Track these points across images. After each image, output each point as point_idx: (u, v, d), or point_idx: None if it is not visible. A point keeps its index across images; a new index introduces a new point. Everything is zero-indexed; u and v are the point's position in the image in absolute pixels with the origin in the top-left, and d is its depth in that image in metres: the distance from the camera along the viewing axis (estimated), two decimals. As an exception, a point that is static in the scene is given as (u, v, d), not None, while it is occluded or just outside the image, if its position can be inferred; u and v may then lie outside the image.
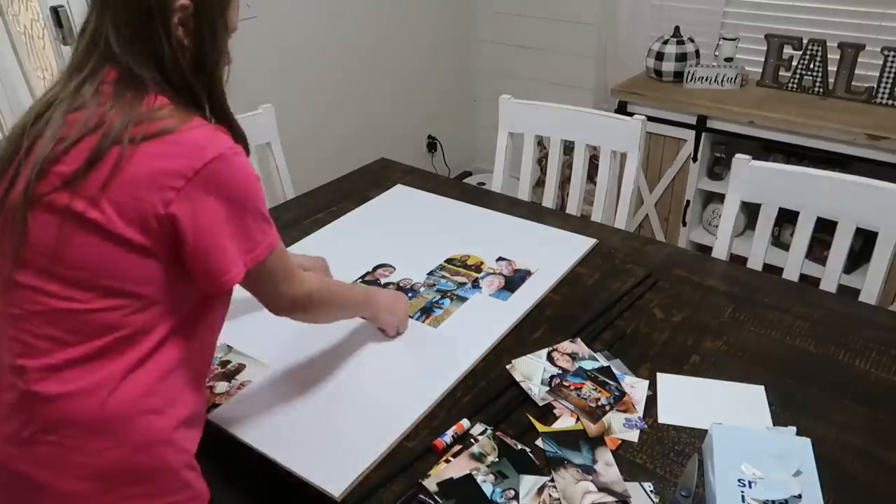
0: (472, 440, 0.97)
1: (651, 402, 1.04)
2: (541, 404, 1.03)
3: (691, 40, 2.42)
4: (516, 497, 0.88)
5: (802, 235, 1.44)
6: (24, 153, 0.83)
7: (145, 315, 0.82)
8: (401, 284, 1.33)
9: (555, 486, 0.89)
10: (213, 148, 0.80)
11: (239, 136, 0.90)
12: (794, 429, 0.97)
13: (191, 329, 0.87)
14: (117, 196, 0.77)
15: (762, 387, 1.06)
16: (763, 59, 2.33)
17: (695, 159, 2.36)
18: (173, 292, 0.84)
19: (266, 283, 0.91)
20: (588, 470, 0.91)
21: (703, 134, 2.31)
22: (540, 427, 0.99)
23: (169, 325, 0.84)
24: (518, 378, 1.07)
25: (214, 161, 0.79)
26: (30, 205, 0.80)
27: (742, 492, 0.83)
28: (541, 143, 2.44)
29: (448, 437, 0.97)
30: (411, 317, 1.24)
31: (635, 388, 1.06)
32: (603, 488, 0.89)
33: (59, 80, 0.88)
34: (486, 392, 1.06)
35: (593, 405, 1.02)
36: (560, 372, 1.09)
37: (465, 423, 1.00)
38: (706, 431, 0.94)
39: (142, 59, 0.83)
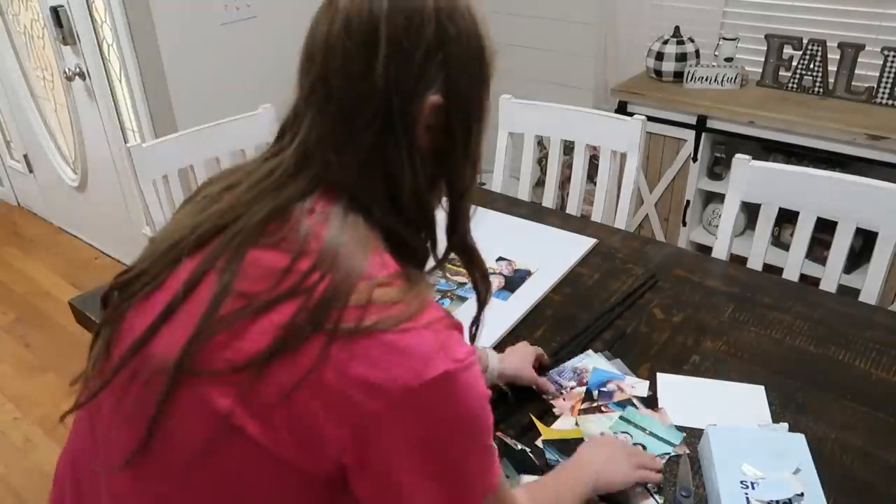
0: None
1: (651, 402, 1.04)
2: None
3: (691, 40, 2.42)
4: (516, 497, 0.88)
5: (802, 235, 1.44)
6: (182, 292, 0.60)
7: None
8: (401, 284, 1.33)
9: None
10: (440, 360, 0.56)
11: (484, 287, 0.71)
12: (786, 425, 0.98)
13: None
14: (298, 409, 0.55)
15: (762, 387, 1.06)
16: (763, 59, 2.33)
17: (695, 159, 2.36)
18: None
19: None
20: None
21: (703, 134, 2.31)
22: (543, 431, 0.99)
23: None
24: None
25: (439, 380, 0.56)
26: (177, 383, 0.57)
27: (746, 493, 0.83)
28: (541, 143, 2.44)
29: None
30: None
31: (635, 388, 1.06)
32: (604, 496, 0.88)
33: (237, 182, 0.64)
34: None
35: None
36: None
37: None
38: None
39: (372, 186, 0.61)
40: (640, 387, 1.06)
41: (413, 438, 0.57)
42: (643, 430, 0.99)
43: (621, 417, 1.01)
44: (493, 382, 1.01)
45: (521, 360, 1.04)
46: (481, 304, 0.72)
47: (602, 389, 1.06)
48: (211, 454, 0.58)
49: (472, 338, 0.72)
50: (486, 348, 1.05)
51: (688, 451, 0.94)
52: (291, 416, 0.55)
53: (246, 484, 0.59)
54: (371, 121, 0.60)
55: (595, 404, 1.03)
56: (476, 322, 0.73)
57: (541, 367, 1.08)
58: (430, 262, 0.70)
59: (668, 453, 0.95)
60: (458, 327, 0.62)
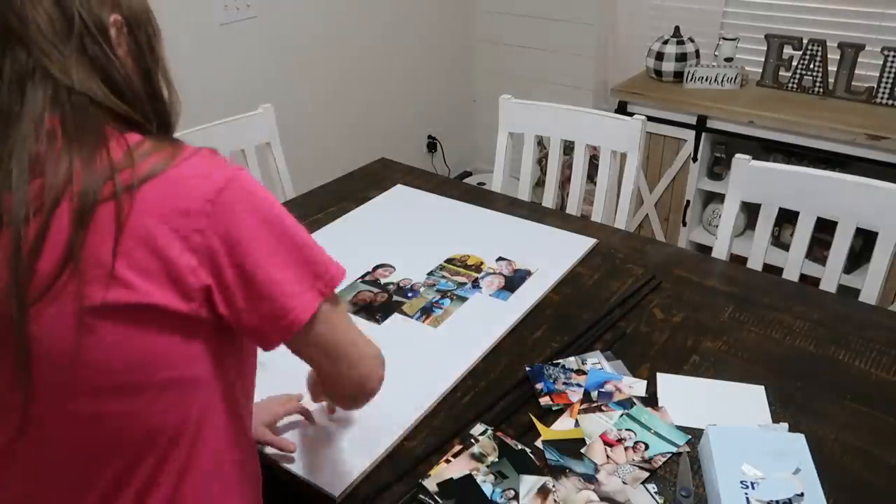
0: (472, 440, 0.97)
1: (650, 401, 1.04)
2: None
3: (691, 40, 2.42)
4: (516, 497, 0.88)
5: (802, 235, 1.44)
6: None
7: (195, 405, 0.70)
8: (401, 284, 1.33)
9: (556, 493, 0.89)
10: (219, 172, 0.67)
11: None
12: (786, 425, 0.98)
13: (233, 405, 0.74)
14: (135, 255, 0.62)
15: (762, 387, 1.06)
16: (763, 59, 2.33)
17: (695, 159, 2.36)
18: (222, 366, 0.71)
19: (334, 346, 0.74)
20: (590, 479, 0.91)
21: (703, 134, 2.31)
22: (542, 432, 0.99)
23: (218, 408, 0.72)
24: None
25: (229, 185, 0.66)
26: (23, 323, 0.62)
27: (746, 493, 0.83)
28: (541, 143, 2.44)
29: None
30: (411, 317, 1.24)
31: (633, 387, 1.06)
32: (605, 497, 0.88)
33: None
34: (486, 392, 1.06)
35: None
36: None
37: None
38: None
39: (88, 78, 0.68)
40: (638, 386, 1.06)
41: (243, 238, 0.66)
42: (648, 428, 0.99)
43: (627, 415, 1.01)
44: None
45: (259, 416, 0.98)
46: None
47: (601, 390, 1.06)
48: (84, 347, 0.63)
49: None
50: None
51: (688, 451, 0.94)
52: (134, 265, 0.62)
53: (139, 357, 0.65)
54: (74, 38, 0.67)
55: (595, 404, 1.03)
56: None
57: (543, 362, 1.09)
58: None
59: (671, 452, 0.95)
60: (215, 152, 0.71)
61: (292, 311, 0.68)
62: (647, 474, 0.91)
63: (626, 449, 0.95)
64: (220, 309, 0.67)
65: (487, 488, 0.89)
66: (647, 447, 0.95)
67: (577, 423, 1.00)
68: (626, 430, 0.99)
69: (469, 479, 0.91)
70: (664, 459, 0.93)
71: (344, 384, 0.78)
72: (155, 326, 0.64)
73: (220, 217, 0.65)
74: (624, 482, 0.90)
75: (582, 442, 0.97)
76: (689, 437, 0.97)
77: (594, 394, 1.05)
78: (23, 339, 0.62)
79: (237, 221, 0.66)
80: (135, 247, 0.62)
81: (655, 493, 0.88)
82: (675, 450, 0.95)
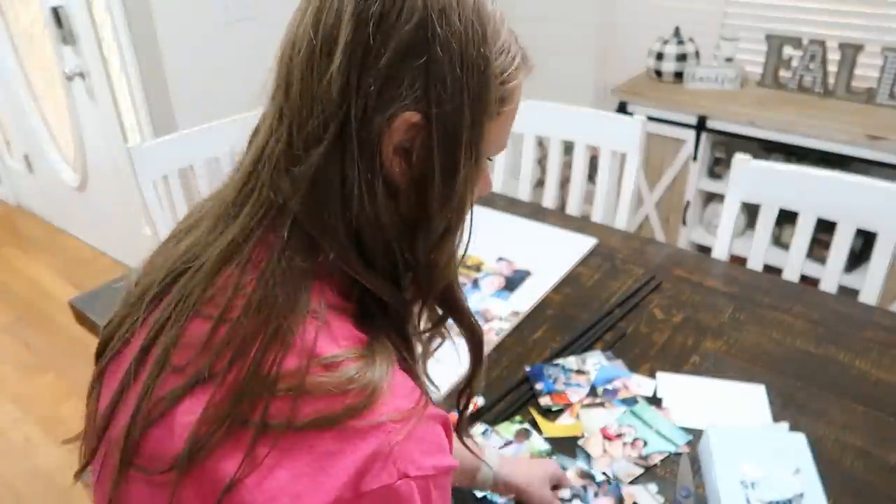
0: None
1: (656, 402, 1.04)
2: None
3: (691, 40, 2.42)
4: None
5: (802, 235, 1.44)
6: (134, 364, 0.53)
7: None
8: (401, 284, 1.33)
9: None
10: (383, 471, 0.45)
11: (477, 359, 0.59)
12: (786, 425, 0.98)
13: None
14: None
15: (762, 386, 1.06)
16: (763, 59, 2.33)
17: (695, 159, 2.36)
18: None
19: None
20: (587, 475, 0.91)
21: (703, 134, 2.31)
22: (543, 427, 0.99)
23: None
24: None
25: (377, 496, 0.45)
26: (125, 466, 0.51)
27: (746, 494, 0.83)
28: (541, 143, 2.44)
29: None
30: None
31: (641, 387, 1.06)
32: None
33: (203, 223, 0.56)
34: (486, 392, 1.06)
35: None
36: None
37: (479, 401, 1.01)
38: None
39: (320, 212, 0.49)
40: (647, 386, 1.06)
41: None
42: (650, 426, 0.99)
43: (631, 412, 1.01)
44: (486, 490, 0.86)
45: (528, 471, 0.84)
46: (474, 383, 0.61)
47: (607, 387, 1.06)
48: None
49: (461, 416, 0.61)
50: (488, 446, 0.88)
51: (688, 451, 0.94)
52: None
53: None
54: (324, 132, 0.49)
55: (598, 400, 1.03)
56: (466, 397, 0.61)
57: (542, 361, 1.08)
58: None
59: (669, 452, 0.95)
60: (437, 418, 0.50)
61: None
62: (641, 471, 0.92)
63: (623, 445, 0.96)
64: None
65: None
66: (645, 444, 0.96)
67: (577, 417, 1.00)
68: (628, 425, 0.99)
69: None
70: (661, 458, 0.93)
71: None
72: None
73: None
74: (615, 477, 0.90)
75: (582, 438, 0.97)
76: (690, 437, 0.97)
77: (599, 389, 1.05)
78: (127, 456, 0.51)
79: None
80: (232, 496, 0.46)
81: (657, 492, 0.88)
82: (674, 449, 0.95)
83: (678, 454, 0.94)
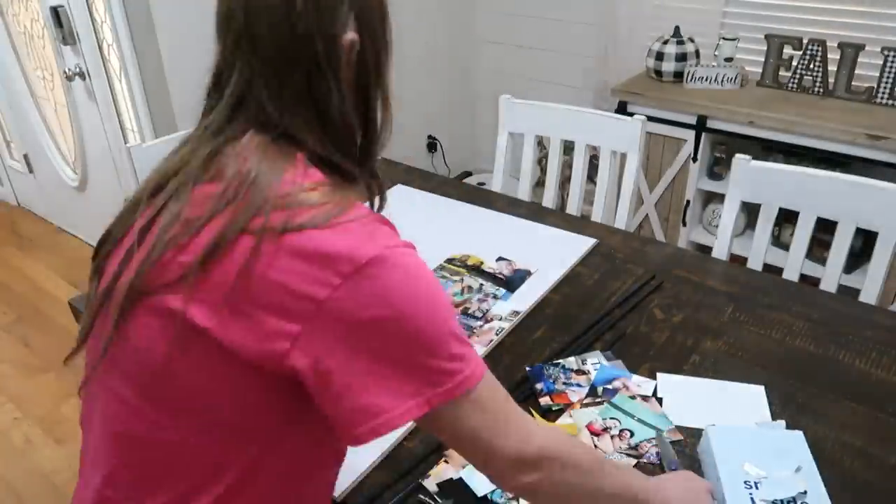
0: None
1: (659, 402, 1.03)
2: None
3: (691, 40, 2.42)
4: (516, 497, 0.88)
5: (802, 235, 1.44)
6: (137, 235, 0.67)
7: (245, 452, 0.66)
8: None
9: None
10: (370, 246, 0.61)
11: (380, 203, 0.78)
12: (783, 423, 0.98)
13: (296, 468, 0.70)
14: (244, 310, 0.60)
15: (762, 387, 1.06)
16: (763, 59, 2.33)
17: (695, 159, 2.36)
18: (289, 427, 0.67)
19: (467, 435, 0.64)
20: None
21: (703, 134, 2.31)
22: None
23: (272, 463, 0.68)
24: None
25: (373, 263, 0.60)
26: (133, 302, 0.65)
27: (750, 493, 0.83)
28: (541, 143, 2.44)
29: None
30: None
31: (641, 386, 1.06)
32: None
33: (187, 141, 0.72)
34: (486, 392, 1.06)
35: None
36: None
37: None
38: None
39: (304, 120, 0.68)
40: (647, 386, 1.06)
41: (357, 325, 0.59)
42: (632, 416, 1.00)
43: (610, 403, 1.02)
44: None
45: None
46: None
47: (606, 387, 1.06)
48: (174, 359, 0.63)
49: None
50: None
51: (674, 438, 0.94)
52: (235, 311, 0.60)
53: (212, 391, 0.64)
54: (299, 64, 0.67)
55: (599, 399, 1.03)
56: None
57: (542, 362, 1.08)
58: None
59: (654, 438, 0.96)
60: (385, 222, 0.67)
61: (379, 416, 0.61)
62: (634, 461, 0.92)
63: (612, 437, 0.96)
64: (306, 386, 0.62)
65: (487, 480, 0.89)
66: (632, 434, 0.96)
67: (570, 416, 1.01)
68: (611, 418, 0.99)
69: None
70: (650, 446, 0.95)
71: (496, 457, 0.66)
72: (237, 370, 0.62)
73: (345, 301, 0.59)
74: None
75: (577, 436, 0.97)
76: (672, 423, 0.98)
77: (599, 389, 1.05)
78: (119, 319, 0.66)
79: (358, 313, 0.59)
80: (248, 300, 0.60)
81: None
82: (659, 434, 0.96)
83: (687, 455, 0.94)
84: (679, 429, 0.98)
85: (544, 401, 1.03)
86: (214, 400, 0.64)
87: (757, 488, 0.84)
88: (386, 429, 0.60)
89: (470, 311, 1.25)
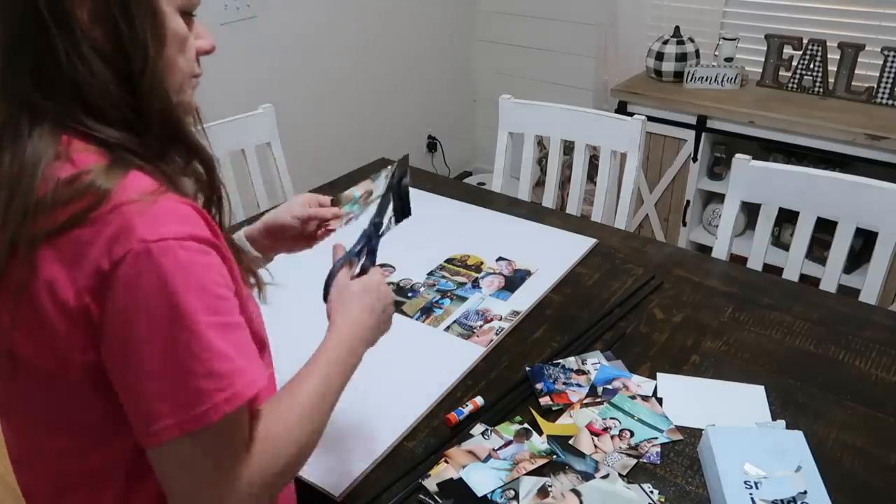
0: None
1: (658, 402, 1.03)
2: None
3: (691, 40, 2.42)
4: (516, 497, 0.88)
5: (802, 235, 1.44)
6: None
7: (103, 454, 0.66)
8: (401, 284, 1.33)
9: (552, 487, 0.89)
10: (124, 242, 0.56)
11: (208, 170, 0.69)
12: (783, 423, 0.98)
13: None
14: (28, 325, 0.59)
15: (762, 387, 1.06)
16: (763, 59, 2.33)
17: (695, 159, 2.36)
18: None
19: (194, 467, 0.60)
20: (588, 477, 0.91)
21: (703, 134, 2.31)
22: (544, 427, 0.99)
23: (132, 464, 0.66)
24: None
25: (128, 260, 0.56)
26: None
27: (750, 493, 0.83)
28: (541, 143, 2.44)
29: (463, 413, 1.00)
30: (411, 317, 1.24)
31: (641, 387, 1.06)
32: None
33: None
34: (486, 392, 1.06)
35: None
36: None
37: (479, 400, 1.01)
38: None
39: (49, 92, 0.60)
40: (647, 386, 1.06)
41: (122, 324, 0.57)
42: (631, 416, 1.00)
43: (610, 403, 1.02)
44: (245, 248, 0.95)
45: (278, 208, 0.99)
46: (217, 198, 0.70)
47: (606, 387, 1.06)
48: (7, 386, 0.66)
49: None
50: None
51: (676, 438, 0.94)
52: (26, 330, 0.59)
53: (46, 407, 0.64)
54: (23, 26, 0.59)
55: (599, 399, 1.03)
56: (212, 205, 0.71)
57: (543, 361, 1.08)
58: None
59: (656, 438, 0.96)
60: (183, 202, 0.61)
61: (149, 426, 0.58)
62: (634, 461, 0.92)
63: (612, 437, 0.96)
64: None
65: (487, 480, 0.89)
66: (632, 434, 0.96)
67: (570, 416, 1.01)
68: (611, 418, 0.99)
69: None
70: (650, 446, 0.95)
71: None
72: (48, 380, 0.63)
73: (106, 300, 0.57)
74: (613, 469, 0.90)
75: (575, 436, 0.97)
76: (672, 423, 0.98)
77: (600, 389, 1.05)
78: None
79: (123, 312, 0.57)
80: (27, 318, 0.59)
81: (651, 492, 0.88)
82: (659, 436, 0.96)
83: (687, 455, 0.94)
84: (679, 429, 0.98)
85: (544, 401, 1.03)
86: (38, 410, 0.65)
87: (757, 488, 0.84)
88: (153, 444, 0.59)
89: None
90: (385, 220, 0.93)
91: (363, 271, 0.88)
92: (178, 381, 0.57)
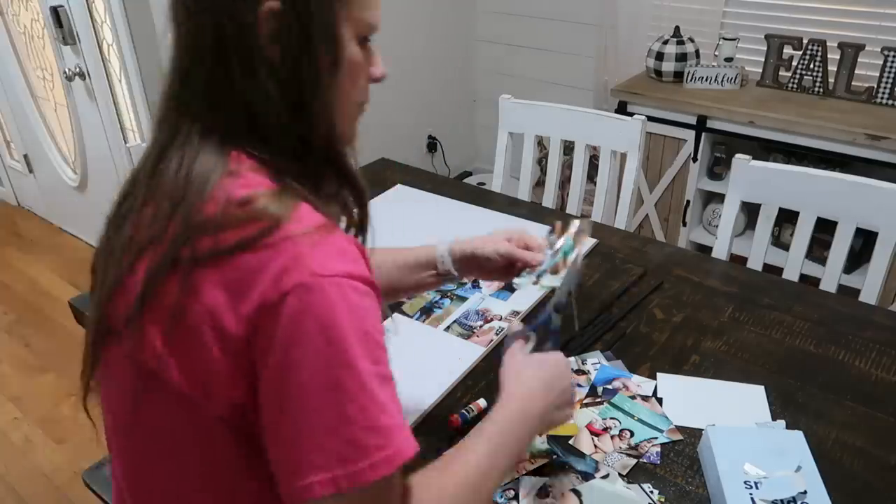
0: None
1: (658, 402, 1.03)
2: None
3: (691, 40, 2.42)
4: (516, 497, 0.88)
5: (802, 235, 1.44)
6: (102, 260, 0.64)
7: (221, 498, 0.62)
8: (401, 284, 1.33)
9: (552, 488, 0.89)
10: (294, 272, 0.53)
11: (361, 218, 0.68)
12: (783, 423, 0.98)
13: None
14: (179, 347, 0.57)
15: (762, 387, 1.06)
16: (763, 59, 2.33)
17: (695, 159, 2.36)
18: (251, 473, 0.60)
19: None
20: (588, 477, 0.91)
21: (703, 134, 2.31)
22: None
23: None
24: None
25: (295, 292, 0.53)
26: (100, 339, 0.62)
27: (750, 493, 0.83)
28: (541, 143, 2.44)
29: (467, 417, 0.99)
30: (411, 317, 1.24)
31: (641, 387, 1.06)
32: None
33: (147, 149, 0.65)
34: (486, 392, 1.06)
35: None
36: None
37: (482, 403, 1.01)
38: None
39: (225, 114, 0.59)
40: (647, 386, 1.06)
41: (281, 362, 0.53)
42: (631, 416, 1.00)
43: (610, 403, 1.02)
44: (447, 269, 0.97)
45: (484, 238, 0.95)
46: (362, 227, 0.71)
47: (606, 387, 1.06)
48: (140, 405, 0.61)
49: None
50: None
51: (675, 438, 0.94)
52: (178, 353, 0.57)
53: (174, 435, 0.61)
54: (203, 39, 0.58)
55: (599, 399, 1.03)
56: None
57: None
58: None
59: (656, 438, 0.96)
60: (349, 240, 0.60)
61: (299, 480, 0.54)
62: (634, 461, 0.92)
63: (612, 437, 0.96)
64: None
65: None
66: (632, 434, 0.96)
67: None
68: (611, 418, 0.99)
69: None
70: (650, 445, 0.95)
71: None
72: (191, 415, 0.59)
73: (267, 333, 0.53)
74: (613, 469, 0.90)
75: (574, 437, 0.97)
76: (672, 423, 0.98)
77: (599, 389, 1.05)
78: (89, 367, 0.63)
79: (284, 348, 0.53)
80: (184, 339, 0.56)
81: (651, 492, 0.88)
82: (659, 436, 0.96)
83: (687, 455, 0.94)
84: (679, 429, 0.98)
85: (544, 401, 1.03)
86: (178, 444, 0.61)
87: (757, 488, 0.84)
88: (302, 499, 0.54)
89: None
90: (564, 300, 0.90)
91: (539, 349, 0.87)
92: (338, 433, 0.53)
